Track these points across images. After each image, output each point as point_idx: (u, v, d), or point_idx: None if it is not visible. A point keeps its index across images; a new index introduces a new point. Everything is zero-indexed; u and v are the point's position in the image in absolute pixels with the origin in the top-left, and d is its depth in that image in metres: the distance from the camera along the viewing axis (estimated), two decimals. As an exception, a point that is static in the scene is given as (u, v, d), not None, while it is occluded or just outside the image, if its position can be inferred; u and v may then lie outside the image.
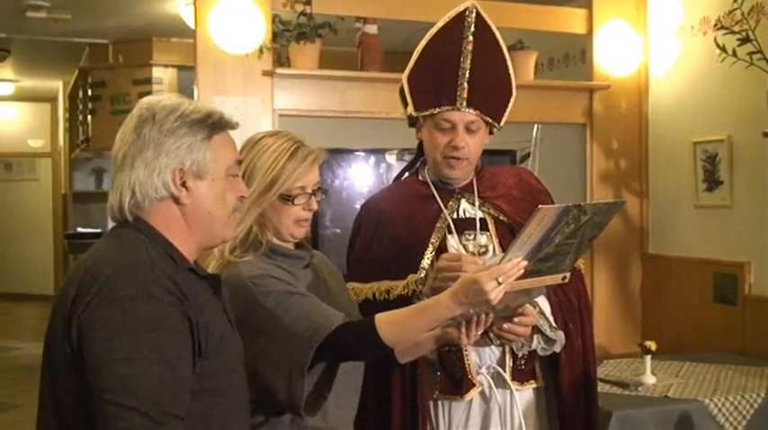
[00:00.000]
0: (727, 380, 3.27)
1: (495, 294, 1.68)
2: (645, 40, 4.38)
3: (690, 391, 3.10)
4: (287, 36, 3.78)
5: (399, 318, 1.77)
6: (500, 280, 1.68)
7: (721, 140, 3.90)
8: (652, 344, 3.16)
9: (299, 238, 1.98)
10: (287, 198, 1.89)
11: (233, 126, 1.61)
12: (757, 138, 3.52)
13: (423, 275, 2.18)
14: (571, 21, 4.37)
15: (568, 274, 1.87)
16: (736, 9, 3.44)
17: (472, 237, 2.07)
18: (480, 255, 2.02)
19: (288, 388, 1.76)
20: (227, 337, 1.55)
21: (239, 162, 1.64)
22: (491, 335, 2.11)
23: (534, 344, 2.21)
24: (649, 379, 3.16)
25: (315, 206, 1.95)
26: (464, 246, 2.07)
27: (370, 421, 2.19)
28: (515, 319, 2.04)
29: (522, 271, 1.70)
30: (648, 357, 3.18)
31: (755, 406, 3.06)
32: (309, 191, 1.92)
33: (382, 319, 1.77)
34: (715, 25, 3.73)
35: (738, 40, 3.32)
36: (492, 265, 1.72)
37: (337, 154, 4.42)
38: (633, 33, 4.34)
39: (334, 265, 2.17)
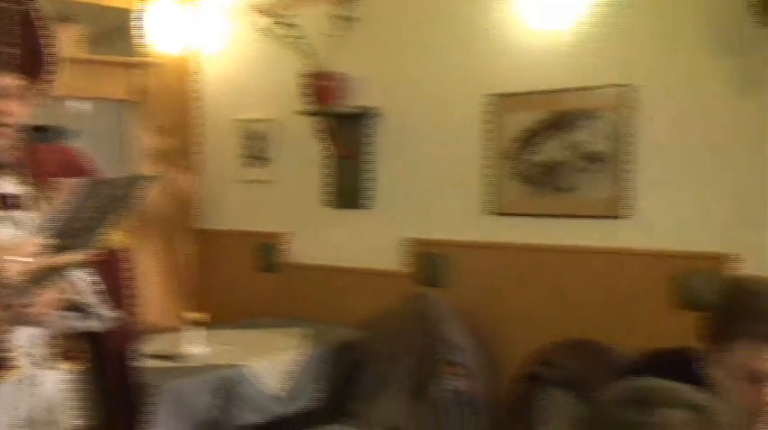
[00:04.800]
0: (272, 342, 3.51)
1: (11, 273, 1.60)
2: (197, 19, 4.43)
3: (237, 357, 3.27)
4: None
5: None
6: (18, 258, 1.60)
7: (265, 119, 4.14)
8: (198, 316, 3.27)
9: None
10: None
11: None
12: (295, 118, 3.79)
13: None
14: (119, -6, 4.28)
15: (96, 251, 1.85)
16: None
17: None
18: None
19: None
20: None
21: None
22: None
23: (75, 324, 2.17)
24: (196, 349, 3.26)
25: None
26: None
27: None
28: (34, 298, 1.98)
29: (39, 247, 1.65)
30: (197, 328, 3.27)
31: (292, 361, 3.34)
32: None
33: None
34: (262, 10, 3.93)
35: (278, 23, 3.54)
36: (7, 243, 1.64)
37: None
38: (185, 11, 4.38)
39: None
